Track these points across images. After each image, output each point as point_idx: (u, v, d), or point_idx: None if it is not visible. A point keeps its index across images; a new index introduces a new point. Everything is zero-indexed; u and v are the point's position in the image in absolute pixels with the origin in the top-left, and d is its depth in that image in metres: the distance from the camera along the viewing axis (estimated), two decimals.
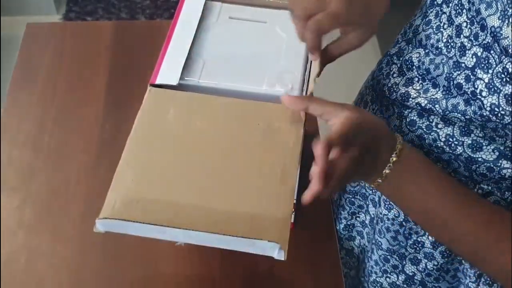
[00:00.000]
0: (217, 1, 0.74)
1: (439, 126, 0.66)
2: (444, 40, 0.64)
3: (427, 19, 0.67)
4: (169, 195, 0.56)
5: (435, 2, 0.66)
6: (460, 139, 0.64)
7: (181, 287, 0.77)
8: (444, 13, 0.64)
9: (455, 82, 0.61)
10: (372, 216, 0.80)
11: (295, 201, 0.66)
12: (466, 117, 0.61)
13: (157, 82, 0.63)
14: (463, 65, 0.60)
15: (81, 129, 0.92)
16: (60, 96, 0.96)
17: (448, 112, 0.63)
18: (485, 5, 0.57)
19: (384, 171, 0.60)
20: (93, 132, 0.91)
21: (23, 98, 0.95)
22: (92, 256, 0.79)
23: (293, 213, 0.77)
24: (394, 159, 0.60)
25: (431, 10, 0.67)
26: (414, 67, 0.68)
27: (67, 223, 0.82)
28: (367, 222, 0.82)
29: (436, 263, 0.75)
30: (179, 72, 0.63)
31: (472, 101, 0.60)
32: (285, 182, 0.58)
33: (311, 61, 0.67)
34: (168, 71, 0.64)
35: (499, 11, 0.55)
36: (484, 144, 0.63)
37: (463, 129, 0.64)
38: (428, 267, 0.76)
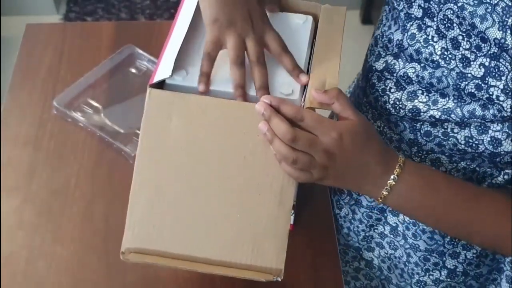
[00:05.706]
0: None
1: (455, 130, 0.67)
2: (439, 53, 0.64)
3: (409, 33, 0.67)
4: (178, 221, 0.63)
5: (413, 16, 0.66)
6: (479, 138, 0.66)
7: (181, 287, 0.77)
8: (430, 26, 0.65)
9: (465, 91, 0.62)
10: (394, 225, 0.80)
11: (294, 202, 0.67)
12: (486, 120, 0.63)
13: (154, 81, 0.63)
14: (469, 75, 0.62)
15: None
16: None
17: (466, 119, 0.64)
18: (479, 19, 0.59)
19: (388, 182, 0.62)
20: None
21: (23, 98, 0.95)
22: (92, 256, 0.79)
23: (293, 213, 0.77)
24: (398, 170, 0.62)
25: (410, 23, 0.67)
26: (413, 81, 0.68)
27: (67, 223, 0.82)
28: (386, 232, 0.82)
29: (475, 251, 0.77)
30: (171, 66, 0.63)
31: (489, 106, 0.61)
32: (283, 203, 0.63)
33: (310, 65, 0.67)
34: (163, 68, 0.64)
35: (497, 22, 0.58)
36: (502, 138, 0.64)
37: (479, 128, 0.65)
38: (468, 256, 0.78)
